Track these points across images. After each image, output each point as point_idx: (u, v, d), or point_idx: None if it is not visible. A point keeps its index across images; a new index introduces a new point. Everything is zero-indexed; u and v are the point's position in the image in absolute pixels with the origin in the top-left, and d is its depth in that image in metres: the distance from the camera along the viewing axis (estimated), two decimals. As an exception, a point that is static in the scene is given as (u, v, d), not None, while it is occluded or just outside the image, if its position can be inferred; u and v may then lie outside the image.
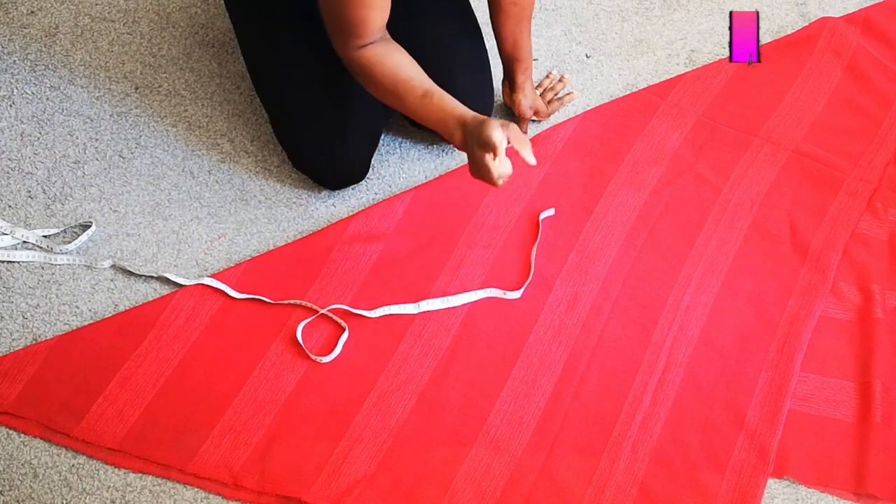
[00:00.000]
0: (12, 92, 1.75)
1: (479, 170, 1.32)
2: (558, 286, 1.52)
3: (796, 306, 1.51)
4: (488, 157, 1.28)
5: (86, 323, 1.47)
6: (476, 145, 1.30)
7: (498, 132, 1.27)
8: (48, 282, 1.52)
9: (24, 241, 1.56)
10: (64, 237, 1.58)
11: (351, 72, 1.41)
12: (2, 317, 1.48)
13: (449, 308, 1.49)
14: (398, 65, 1.37)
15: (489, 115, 1.66)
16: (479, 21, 1.66)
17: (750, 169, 1.68)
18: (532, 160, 1.30)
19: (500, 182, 1.31)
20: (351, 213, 1.60)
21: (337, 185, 1.62)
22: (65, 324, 1.48)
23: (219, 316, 1.47)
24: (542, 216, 1.59)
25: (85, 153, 1.67)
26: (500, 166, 1.29)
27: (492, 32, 1.62)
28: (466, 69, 1.60)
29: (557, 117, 1.75)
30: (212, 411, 1.38)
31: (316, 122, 1.55)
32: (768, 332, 1.48)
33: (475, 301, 1.50)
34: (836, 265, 1.55)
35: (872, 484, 1.34)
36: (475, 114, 1.35)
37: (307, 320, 1.47)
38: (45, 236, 1.56)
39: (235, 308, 1.48)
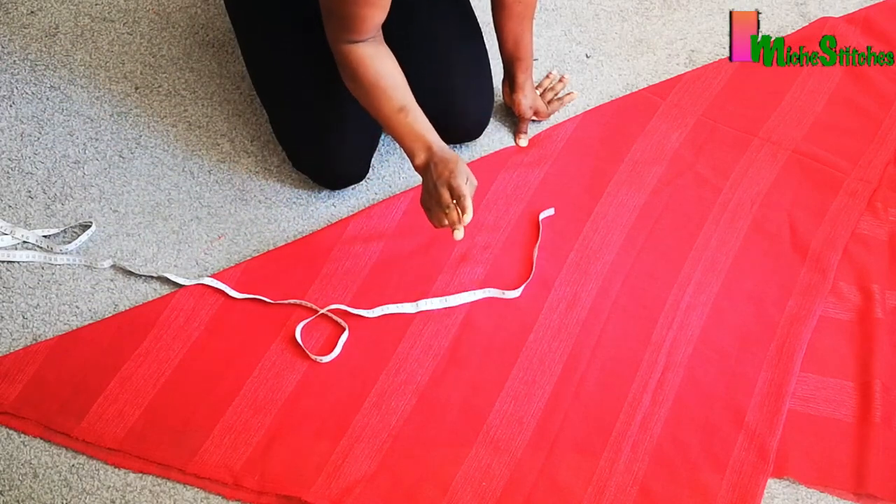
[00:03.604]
0: (12, 92, 1.75)
1: (434, 207, 1.35)
2: (558, 286, 1.52)
3: (796, 306, 1.51)
4: (448, 198, 1.32)
5: (86, 323, 1.47)
6: (440, 182, 1.32)
7: (465, 186, 1.31)
8: (48, 282, 1.52)
9: (24, 241, 1.56)
10: (64, 237, 1.58)
11: (337, 63, 1.39)
12: (2, 317, 1.48)
13: (449, 308, 1.49)
14: (382, 71, 1.36)
15: (489, 116, 1.67)
16: (479, 21, 1.66)
17: (750, 169, 1.68)
18: (459, 236, 1.35)
19: (458, 235, 1.34)
20: (351, 213, 1.61)
21: (337, 185, 1.62)
22: (65, 324, 1.48)
23: (219, 316, 1.47)
24: (542, 216, 1.59)
25: (85, 153, 1.67)
26: (463, 216, 1.33)
27: (492, 32, 1.62)
28: (466, 69, 1.60)
29: (557, 117, 1.75)
30: (212, 411, 1.38)
31: (316, 123, 1.55)
32: (768, 332, 1.48)
33: (475, 301, 1.50)
34: (836, 265, 1.55)
35: (872, 484, 1.34)
36: (444, 145, 1.37)
37: (307, 320, 1.47)
38: (45, 236, 1.56)
39: (235, 308, 1.48)
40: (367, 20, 1.31)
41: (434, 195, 1.34)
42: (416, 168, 1.38)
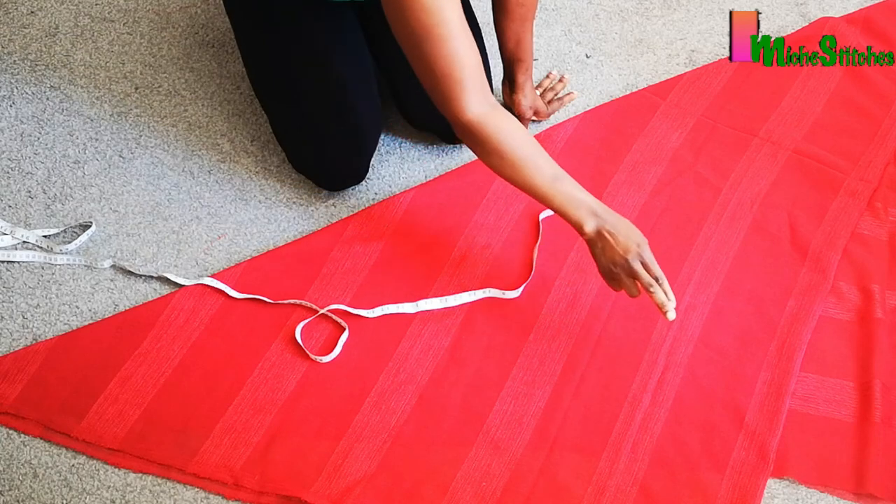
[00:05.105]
0: (12, 92, 1.75)
1: (626, 280, 1.30)
2: (558, 286, 1.52)
3: (796, 306, 1.51)
4: (648, 278, 1.28)
5: (86, 323, 1.47)
6: (631, 258, 1.28)
7: (656, 264, 1.28)
8: (48, 282, 1.52)
9: (24, 241, 1.56)
10: (64, 237, 1.58)
11: (463, 140, 1.34)
12: (2, 317, 1.48)
13: (449, 308, 1.49)
14: (522, 140, 1.31)
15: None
16: (479, 21, 1.66)
17: (750, 169, 1.68)
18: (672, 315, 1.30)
19: (671, 316, 1.29)
20: (351, 213, 1.61)
21: (337, 185, 1.62)
22: (65, 324, 1.48)
23: (219, 316, 1.47)
24: (542, 216, 1.59)
25: (85, 153, 1.67)
26: (670, 302, 1.28)
27: (492, 32, 1.63)
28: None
29: (557, 117, 1.75)
30: (212, 411, 1.38)
31: (316, 123, 1.55)
32: (768, 332, 1.48)
33: (475, 301, 1.50)
34: (836, 265, 1.56)
35: (872, 484, 1.34)
36: (601, 203, 1.31)
37: (307, 320, 1.47)
38: (45, 236, 1.56)
39: (235, 308, 1.48)
40: (465, 61, 1.26)
41: (627, 270, 1.29)
42: (586, 236, 1.30)
